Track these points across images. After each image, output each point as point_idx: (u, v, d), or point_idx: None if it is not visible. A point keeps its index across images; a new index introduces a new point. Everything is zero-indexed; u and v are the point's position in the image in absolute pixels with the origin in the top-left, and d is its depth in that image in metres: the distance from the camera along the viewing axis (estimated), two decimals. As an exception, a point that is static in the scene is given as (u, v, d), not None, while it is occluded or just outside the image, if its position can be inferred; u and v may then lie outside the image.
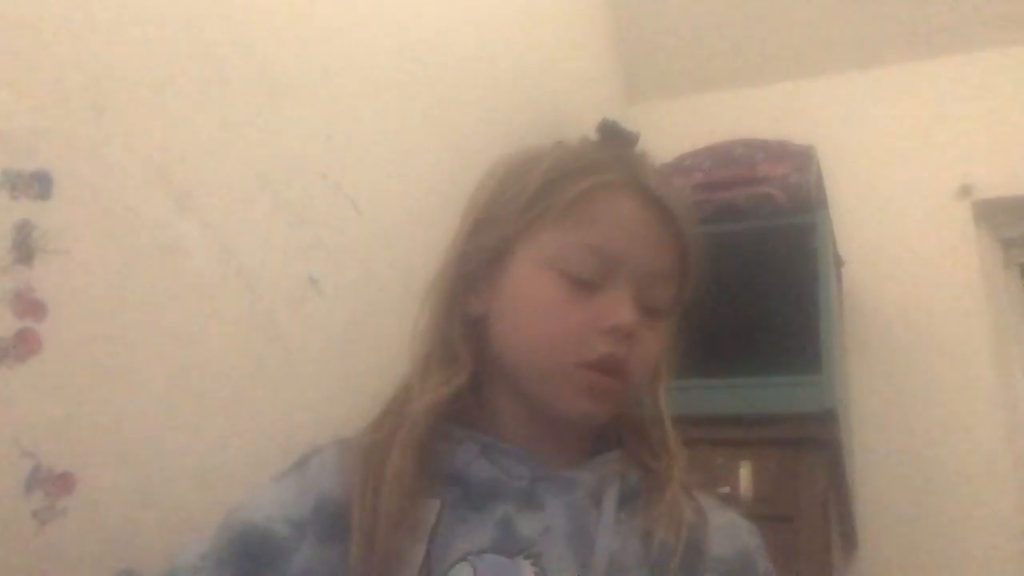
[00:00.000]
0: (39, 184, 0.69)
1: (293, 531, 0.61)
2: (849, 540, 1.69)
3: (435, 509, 0.62)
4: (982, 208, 1.98)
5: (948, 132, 2.04)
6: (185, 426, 0.81)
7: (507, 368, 0.68)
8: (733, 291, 1.45)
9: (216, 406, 0.85)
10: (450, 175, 1.21)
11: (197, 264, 0.85)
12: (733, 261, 1.50)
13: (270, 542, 0.61)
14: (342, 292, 1.06)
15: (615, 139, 0.73)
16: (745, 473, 1.30)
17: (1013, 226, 2.01)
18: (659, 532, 0.62)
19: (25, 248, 0.68)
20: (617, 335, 0.64)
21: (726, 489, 1.28)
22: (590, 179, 0.67)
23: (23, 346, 0.66)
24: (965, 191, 1.98)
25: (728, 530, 0.68)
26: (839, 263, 1.79)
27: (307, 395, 0.97)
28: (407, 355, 0.72)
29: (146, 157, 0.80)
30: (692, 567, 0.63)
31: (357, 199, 1.11)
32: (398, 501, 0.60)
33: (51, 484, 0.67)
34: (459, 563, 0.59)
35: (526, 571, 0.59)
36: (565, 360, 0.64)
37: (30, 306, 0.67)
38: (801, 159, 1.62)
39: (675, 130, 1.90)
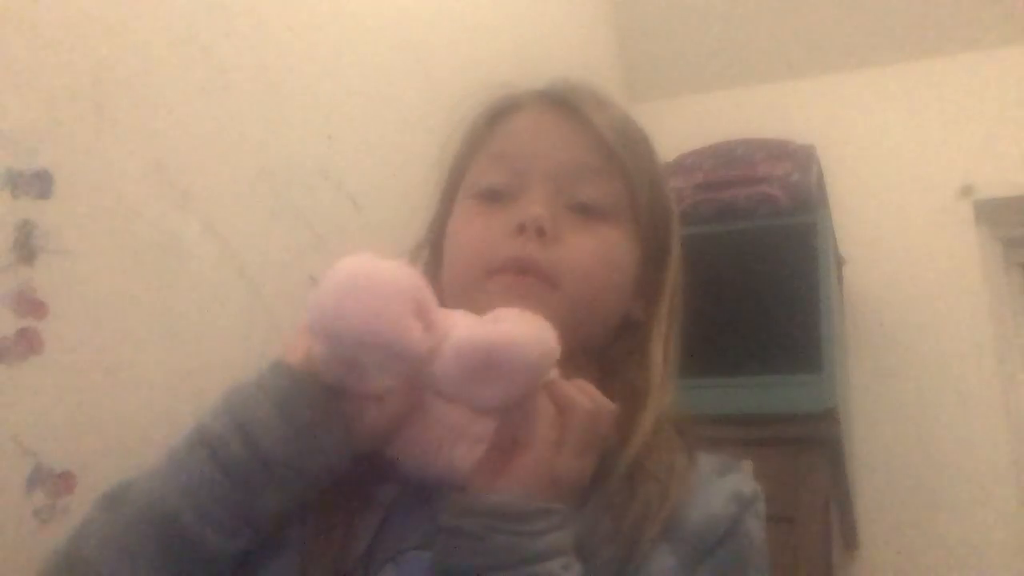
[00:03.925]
0: (40, 183, 0.69)
1: None
2: (849, 540, 1.69)
3: (391, 494, 0.56)
4: (982, 208, 1.97)
5: (948, 132, 2.03)
6: (185, 426, 0.81)
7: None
8: (733, 291, 1.45)
9: (216, 406, 0.85)
10: (450, 175, 1.21)
11: (197, 264, 0.85)
12: (733, 261, 1.50)
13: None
14: (342, 292, 1.06)
15: None
16: (745, 473, 1.29)
17: (1013, 226, 2.00)
18: (634, 510, 0.54)
19: (26, 247, 0.68)
20: (526, 235, 0.59)
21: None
22: (498, 105, 0.70)
23: (24, 345, 0.67)
24: (965, 191, 1.97)
25: (705, 495, 0.58)
26: (840, 263, 1.79)
27: (307, 395, 0.97)
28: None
29: (146, 157, 0.80)
30: (666, 539, 0.54)
31: (358, 198, 1.11)
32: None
33: (51, 483, 0.67)
34: (387, 563, 0.53)
35: None
36: (476, 273, 0.61)
37: (31, 305, 0.67)
38: (801, 159, 1.62)
39: (675, 130, 1.88)
